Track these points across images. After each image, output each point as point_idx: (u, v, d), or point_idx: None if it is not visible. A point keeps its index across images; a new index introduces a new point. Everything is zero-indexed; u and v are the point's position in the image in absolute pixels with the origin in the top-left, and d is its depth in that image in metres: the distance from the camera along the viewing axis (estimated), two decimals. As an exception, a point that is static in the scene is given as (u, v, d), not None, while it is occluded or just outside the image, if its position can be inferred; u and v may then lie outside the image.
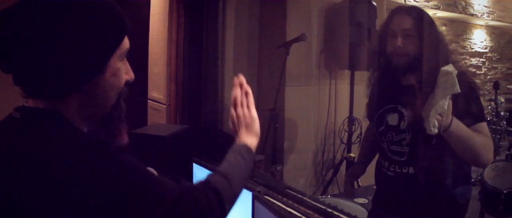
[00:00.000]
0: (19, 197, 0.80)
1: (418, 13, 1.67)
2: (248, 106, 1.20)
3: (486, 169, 2.98)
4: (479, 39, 7.09)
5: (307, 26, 3.15)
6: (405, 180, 1.73)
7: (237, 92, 1.20)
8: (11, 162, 0.83)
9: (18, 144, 0.84)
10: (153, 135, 2.23)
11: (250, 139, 1.18)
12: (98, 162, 0.81)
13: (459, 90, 1.43)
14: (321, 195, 3.06)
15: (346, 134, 3.36)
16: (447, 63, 1.51)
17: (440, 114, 1.46)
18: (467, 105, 1.58)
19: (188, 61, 2.95)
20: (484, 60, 7.26)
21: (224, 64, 3.01)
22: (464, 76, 1.58)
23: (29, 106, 0.90)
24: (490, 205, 2.92)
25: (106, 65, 0.90)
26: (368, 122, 2.02)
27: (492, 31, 7.33)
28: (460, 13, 6.09)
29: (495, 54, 7.46)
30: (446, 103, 1.45)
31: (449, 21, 6.38)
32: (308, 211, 1.77)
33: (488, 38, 7.29)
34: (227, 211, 1.01)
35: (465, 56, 6.81)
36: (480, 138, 1.57)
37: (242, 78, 1.22)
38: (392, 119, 1.74)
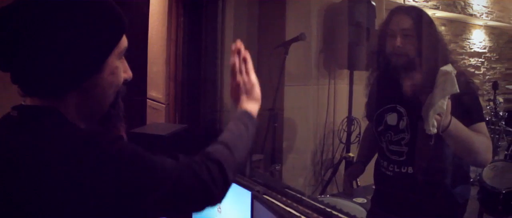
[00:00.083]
0: (18, 196, 0.80)
1: (417, 13, 1.67)
2: (247, 73, 1.19)
3: (485, 169, 2.98)
4: (478, 39, 7.09)
5: (306, 26, 3.15)
6: (404, 179, 1.73)
7: (235, 59, 1.18)
8: (8, 161, 0.82)
9: (16, 142, 0.84)
10: (152, 134, 2.23)
11: (251, 105, 1.17)
12: (95, 154, 0.81)
13: (458, 90, 1.43)
14: (320, 194, 3.06)
15: (345, 133, 3.36)
16: (446, 63, 1.51)
17: (439, 113, 1.46)
18: (466, 105, 1.58)
19: (187, 60, 2.95)
20: (483, 60, 7.26)
21: (223, 63, 3.01)
22: (463, 76, 1.58)
23: (26, 104, 0.90)
24: (489, 205, 2.93)
25: (104, 63, 0.90)
26: (367, 122, 2.03)
27: (491, 31, 7.33)
28: (459, 13, 6.09)
29: (494, 54, 7.46)
30: (445, 103, 1.45)
31: (448, 21, 6.39)
32: (307, 210, 1.77)
33: (487, 38, 7.30)
34: (230, 180, 1.00)
35: (464, 56, 6.82)
36: (479, 138, 1.57)
37: (240, 44, 1.20)
38: (391, 119, 1.74)
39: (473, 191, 2.71)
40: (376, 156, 1.91)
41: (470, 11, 6.29)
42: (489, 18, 6.71)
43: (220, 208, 1.69)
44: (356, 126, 3.32)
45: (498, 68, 7.56)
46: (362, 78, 2.63)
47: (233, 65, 1.18)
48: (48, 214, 0.78)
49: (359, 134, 3.23)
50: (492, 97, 4.90)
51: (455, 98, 1.47)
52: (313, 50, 3.27)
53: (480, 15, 6.53)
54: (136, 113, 3.46)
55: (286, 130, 3.17)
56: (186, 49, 2.93)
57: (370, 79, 1.88)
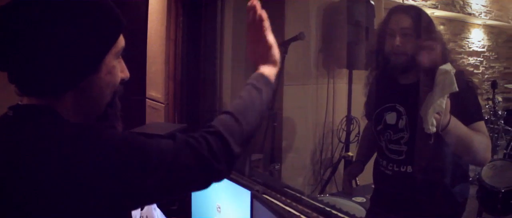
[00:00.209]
0: (15, 196, 0.80)
1: (416, 12, 1.67)
2: (263, 32, 1.12)
3: (484, 168, 2.98)
4: (476, 39, 7.10)
5: (305, 25, 3.15)
6: (403, 178, 1.73)
7: (250, 19, 1.12)
8: (4, 160, 0.82)
9: (11, 142, 0.84)
10: (151, 134, 2.22)
11: (267, 67, 1.12)
12: (88, 143, 0.81)
13: (457, 89, 1.44)
14: (320, 194, 3.06)
15: (344, 132, 3.37)
16: (445, 62, 1.51)
17: (438, 112, 1.47)
18: (465, 104, 1.58)
19: (186, 60, 2.95)
20: (482, 59, 7.27)
21: (222, 63, 3.01)
22: (462, 75, 1.58)
23: (22, 104, 0.90)
24: (488, 204, 2.93)
25: (101, 63, 0.90)
26: (366, 121, 2.03)
27: (490, 30, 7.34)
28: (458, 12, 6.09)
29: (493, 54, 7.47)
30: (444, 102, 1.45)
31: (447, 21, 6.39)
32: (306, 210, 1.77)
33: (486, 38, 7.30)
34: (236, 152, 0.96)
35: (463, 56, 6.82)
36: (478, 137, 1.57)
37: (256, 2, 1.12)
38: (390, 118, 1.74)
39: (472, 190, 2.71)
40: (375, 155, 1.91)
41: (469, 10, 6.30)
42: (487, 17, 6.72)
43: (219, 207, 1.69)
44: (355, 125, 3.32)
45: (497, 67, 7.56)
46: (361, 77, 2.63)
47: (249, 23, 1.12)
48: (48, 210, 0.78)
49: (358, 133, 3.23)
50: (491, 96, 4.91)
51: (454, 97, 1.48)
52: (312, 50, 3.27)
53: (479, 14, 6.53)
54: (135, 112, 3.46)
55: (285, 129, 3.18)
56: (185, 49, 2.93)
57: (369, 78, 1.89)
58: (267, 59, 1.13)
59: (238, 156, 0.97)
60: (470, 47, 7.00)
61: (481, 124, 1.62)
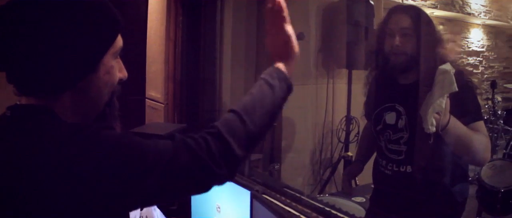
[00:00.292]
0: (10, 196, 0.80)
1: (416, 12, 1.67)
2: (281, 23, 1.05)
3: (483, 167, 2.98)
4: (476, 38, 7.10)
5: (305, 25, 3.15)
6: (403, 178, 1.73)
7: (268, 8, 1.05)
8: (0, 160, 0.82)
9: (7, 142, 0.84)
10: (151, 134, 2.22)
11: (283, 62, 1.05)
12: (83, 143, 0.81)
13: (457, 89, 1.44)
14: (319, 194, 3.07)
15: (344, 132, 3.37)
16: (444, 62, 1.51)
17: (437, 112, 1.47)
18: (465, 104, 1.58)
19: (186, 60, 2.95)
20: (481, 59, 7.27)
21: (222, 63, 3.01)
22: (462, 75, 1.58)
23: (20, 104, 0.90)
24: (488, 203, 2.92)
25: (99, 63, 0.90)
26: (365, 121, 2.03)
27: (489, 30, 7.34)
28: (457, 12, 6.10)
29: (492, 53, 7.47)
30: (443, 102, 1.45)
31: (446, 20, 6.39)
32: (306, 210, 1.77)
33: (485, 37, 7.30)
34: (238, 154, 0.90)
35: (462, 55, 6.82)
36: (478, 137, 1.58)
37: None
38: (390, 118, 1.74)
39: (472, 190, 2.72)
40: (375, 155, 1.91)
41: (468, 10, 6.30)
42: (487, 17, 6.72)
43: (219, 207, 1.69)
44: (354, 125, 3.33)
45: (496, 67, 7.56)
46: (360, 77, 2.63)
47: (267, 12, 1.05)
48: (47, 211, 0.78)
49: (358, 133, 3.23)
50: (490, 96, 4.91)
51: (453, 97, 1.48)
52: (311, 50, 3.27)
53: (478, 14, 6.53)
54: (135, 112, 3.46)
55: (285, 129, 3.17)
56: (185, 49, 2.93)
57: (369, 78, 1.89)
58: (283, 52, 1.06)
59: (241, 159, 0.92)
60: (470, 47, 7.00)
61: (481, 124, 1.62)
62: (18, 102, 0.90)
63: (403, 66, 1.67)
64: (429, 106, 1.47)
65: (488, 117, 4.77)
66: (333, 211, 1.78)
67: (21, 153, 0.81)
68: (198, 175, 0.88)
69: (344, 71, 3.39)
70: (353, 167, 2.10)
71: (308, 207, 1.79)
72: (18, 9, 0.83)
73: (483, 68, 7.30)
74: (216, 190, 1.68)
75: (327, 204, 1.86)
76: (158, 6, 3.20)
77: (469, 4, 6.29)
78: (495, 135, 4.72)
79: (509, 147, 4.20)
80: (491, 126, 4.66)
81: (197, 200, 1.83)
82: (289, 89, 1.03)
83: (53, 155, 0.79)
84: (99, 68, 0.90)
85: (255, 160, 2.87)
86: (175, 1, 2.93)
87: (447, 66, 1.46)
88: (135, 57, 3.39)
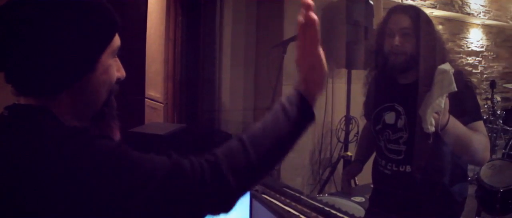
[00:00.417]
0: (6, 197, 0.80)
1: (415, 12, 1.68)
2: (312, 42, 0.93)
3: (482, 167, 2.98)
4: (475, 38, 7.10)
5: (304, 25, 3.14)
6: (402, 178, 1.73)
7: (301, 24, 0.93)
8: None
9: (1, 142, 0.83)
10: (150, 133, 2.23)
11: (307, 85, 0.93)
12: (76, 150, 0.80)
13: (456, 89, 1.44)
14: (319, 193, 3.07)
15: (343, 132, 3.37)
16: (443, 62, 1.51)
17: (437, 112, 1.47)
18: (464, 104, 1.59)
19: (185, 60, 2.95)
20: (481, 59, 7.27)
21: (221, 63, 3.01)
22: (461, 75, 1.58)
23: (17, 104, 0.89)
24: (487, 203, 2.93)
25: (97, 62, 0.90)
26: (365, 121, 2.03)
27: (489, 30, 7.34)
28: (457, 12, 6.10)
29: (491, 53, 7.47)
30: (443, 102, 1.45)
31: (445, 20, 6.39)
32: (305, 209, 1.77)
33: (485, 37, 7.30)
34: (233, 186, 0.84)
35: (461, 55, 6.83)
36: (477, 136, 1.58)
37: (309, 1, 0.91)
38: (389, 118, 1.74)
39: (471, 190, 2.72)
40: (374, 154, 1.92)
41: (468, 10, 6.30)
42: (486, 17, 6.72)
43: (218, 207, 1.69)
44: (354, 124, 3.33)
45: (495, 67, 7.57)
46: (360, 77, 2.63)
47: (300, 28, 0.92)
48: (37, 215, 0.78)
49: (357, 132, 3.24)
50: (489, 96, 4.91)
51: (453, 97, 1.48)
52: (311, 49, 3.26)
53: (478, 14, 6.54)
54: (134, 112, 3.46)
55: (284, 129, 3.17)
56: (185, 49, 2.94)
57: (368, 78, 1.89)
58: (311, 76, 0.93)
59: (237, 193, 0.86)
60: (469, 47, 7.00)
61: (480, 124, 1.63)
62: (16, 102, 0.90)
63: (403, 66, 1.67)
64: (428, 106, 1.47)
65: (487, 116, 4.78)
66: (332, 211, 1.78)
67: (16, 154, 0.81)
68: (188, 202, 0.83)
69: (344, 71, 3.39)
70: (353, 167, 2.10)
71: (308, 207, 1.78)
72: (16, 9, 0.83)
73: (482, 68, 7.31)
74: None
75: (326, 204, 1.86)
76: (157, 6, 3.20)
77: (468, 4, 6.29)
78: (494, 134, 4.73)
79: (508, 147, 4.20)
80: (490, 125, 4.66)
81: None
82: (309, 119, 0.92)
83: (46, 157, 0.79)
84: (97, 68, 0.90)
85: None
86: (175, 1, 2.93)
87: (446, 66, 1.46)
88: (134, 57, 3.39)
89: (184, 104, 3.00)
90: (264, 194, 1.86)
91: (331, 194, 2.63)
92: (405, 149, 1.71)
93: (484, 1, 6.64)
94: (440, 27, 6.18)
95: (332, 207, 1.82)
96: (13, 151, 0.81)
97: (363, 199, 2.33)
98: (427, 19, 1.70)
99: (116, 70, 0.96)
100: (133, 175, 0.81)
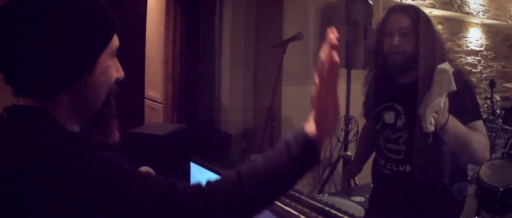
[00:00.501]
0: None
1: (414, 12, 1.68)
2: (329, 85, 0.87)
3: (482, 166, 2.98)
4: (474, 38, 7.11)
5: (304, 25, 3.15)
6: (402, 178, 1.73)
7: (322, 58, 0.87)
8: None
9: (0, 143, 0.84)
10: (150, 134, 2.22)
11: (315, 128, 0.90)
12: (71, 160, 0.80)
13: (455, 88, 1.44)
14: (318, 193, 3.06)
15: (343, 132, 3.37)
16: (443, 61, 1.52)
17: (436, 111, 1.47)
18: (463, 103, 1.59)
19: (185, 60, 2.95)
20: (480, 58, 7.28)
21: (221, 63, 3.01)
22: (460, 75, 1.59)
23: (16, 105, 0.90)
24: (487, 202, 2.93)
25: (95, 63, 0.90)
26: (364, 120, 2.03)
27: (488, 29, 7.35)
28: (456, 11, 6.10)
29: (491, 53, 7.48)
30: (442, 101, 1.45)
31: (444, 20, 6.40)
32: (305, 209, 1.77)
33: (484, 37, 7.31)
34: (221, 214, 0.83)
35: (461, 55, 6.83)
36: (476, 136, 1.58)
37: (333, 36, 0.85)
38: (389, 117, 1.75)
39: (471, 189, 2.72)
40: (374, 154, 1.92)
41: (467, 9, 6.31)
42: (485, 17, 6.73)
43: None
44: (353, 124, 3.32)
45: (494, 66, 7.58)
46: (359, 77, 2.63)
47: (321, 66, 0.88)
48: (32, 213, 0.77)
49: (357, 132, 3.23)
50: (489, 96, 4.91)
51: (452, 96, 1.48)
52: (310, 49, 3.27)
53: (477, 14, 6.54)
54: (134, 112, 3.46)
55: (284, 129, 3.17)
56: (184, 49, 2.94)
57: (368, 78, 1.89)
58: (323, 119, 0.89)
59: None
60: (468, 46, 7.01)
61: (479, 123, 1.63)
62: (15, 103, 0.90)
63: (402, 66, 1.67)
64: (427, 106, 1.47)
65: (487, 116, 4.78)
66: (332, 211, 1.78)
67: (14, 156, 0.80)
68: None
69: (343, 71, 3.39)
70: (352, 167, 2.11)
71: (308, 207, 1.79)
72: (15, 10, 0.83)
73: (481, 67, 7.31)
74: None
75: (326, 204, 1.86)
76: (157, 6, 3.20)
77: (467, 3, 6.29)
78: (494, 134, 4.73)
79: (508, 146, 4.20)
80: (490, 125, 4.67)
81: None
82: (313, 162, 0.88)
83: (42, 162, 0.79)
84: (95, 68, 0.90)
85: (254, 160, 2.87)
86: (174, 1, 2.93)
87: (445, 66, 1.46)
88: (134, 57, 3.39)
89: (184, 104, 3.00)
90: (264, 194, 1.86)
91: (331, 194, 2.63)
92: (404, 148, 1.71)
93: (483, 0, 6.64)
94: (439, 26, 6.19)
95: (332, 207, 1.82)
96: (11, 153, 0.81)
97: (363, 199, 2.33)
98: (427, 19, 1.70)
99: (115, 71, 0.96)
100: (129, 189, 0.80)
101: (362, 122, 2.11)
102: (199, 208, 0.83)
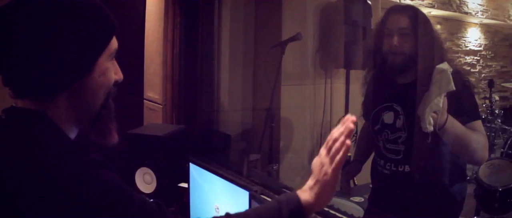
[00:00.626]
0: None
1: (413, 12, 1.68)
2: (330, 162, 0.95)
3: (481, 166, 2.99)
4: (473, 37, 7.12)
5: (303, 26, 3.15)
6: (401, 178, 1.74)
7: (333, 136, 0.96)
8: None
9: None
10: (149, 135, 2.22)
11: (309, 197, 0.96)
12: (73, 169, 0.80)
13: (454, 88, 1.44)
14: (318, 193, 3.06)
15: (342, 132, 3.36)
16: (442, 61, 1.52)
17: (435, 111, 1.47)
18: (462, 103, 1.59)
19: (184, 61, 2.95)
20: (479, 58, 7.29)
21: (220, 63, 3.01)
22: (459, 74, 1.59)
23: (15, 107, 0.90)
24: (486, 202, 2.93)
25: (94, 65, 0.90)
26: (363, 121, 2.03)
27: (487, 29, 7.36)
28: (455, 11, 6.11)
29: (490, 52, 7.49)
30: (441, 101, 1.46)
31: (443, 20, 6.41)
32: (304, 209, 1.76)
33: (483, 37, 7.32)
34: None
35: (459, 55, 6.84)
36: (475, 136, 1.58)
37: (350, 124, 0.94)
38: (388, 117, 1.75)
39: (470, 189, 2.72)
40: (373, 154, 1.92)
41: (466, 9, 6.31)
42: (484, 16, 6.74)
43: (218, 208, 1.69)
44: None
45: (493, 66, 7.58)
46: (358, 77, 2.64)
47: (332, 141, 0.95)
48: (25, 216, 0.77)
49: (356, 133, 3.23)
50: (488, 95, 4.92)
51: (451, 96, 1.48)
52: (309, 50, 3.27)
53: (476, 13, 6.55)
54: (132, 113, 3.45)
55: (283, 130, 3.18)
56: (183, 50, 2.93)
57: (367, 78, 1.89)
58: (318, 190, 0.95)
59: None
60: (467, 46, 7.01)
61: (478, 123, 1.63)
62: (13, 105, 0.90)
63: (401, 66, 1.67)
64: (426, 106, 1.47)
65: (485, 116, 4.78)
66: (331, 211, 1.78)
67: (12, 159, 0.80)
68: None
69: (342, 71, 3.39)
70: (352, 167, 2.11)
71: (307, 207, 1.78)
72: (13, 12, 0.83)
73: (480, 67, 7.32)
74: (214, 191, 1.68)
75: (325, 204, 1.85)
76: (155, 7, 3.19)
77: (466, 3, 6.30)
78: (493, 134, 4.73)
79: (506, 146, 4.21)
80: (488, 125, 4.67)
81: (195, 201, 1.83)
82: None
83: (39, 170, 0.78)
84: (94, 70, 0.90)
85: (253, 160, 2.87)
86: (173, 2, 2.93)
87: (444, 66, 1.46)
88: (132, 58, 3.38)
89: (183, 105, 3.00)
90: (263, 194, 1.86)
91: (330, 194, 2.62)
92: (403, 148, 1.71)
93: (482, 0, 6.65)
94: (438, 26, 6.20)
95: (331, 207, 1.82)
96: (8, 157, 0.81)
97: (362, 199, 2.33)
98: (425, 19, 1.70)
99: (114, 73, 0.96)
100: (127, 207, 0.82)
101: (361, 122, 2.11)
102: None
